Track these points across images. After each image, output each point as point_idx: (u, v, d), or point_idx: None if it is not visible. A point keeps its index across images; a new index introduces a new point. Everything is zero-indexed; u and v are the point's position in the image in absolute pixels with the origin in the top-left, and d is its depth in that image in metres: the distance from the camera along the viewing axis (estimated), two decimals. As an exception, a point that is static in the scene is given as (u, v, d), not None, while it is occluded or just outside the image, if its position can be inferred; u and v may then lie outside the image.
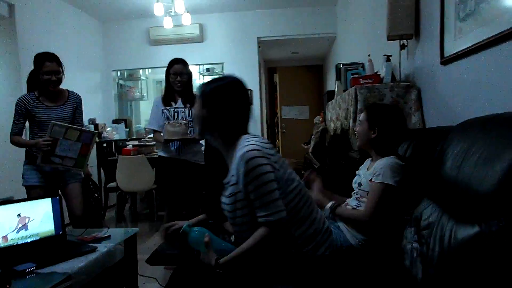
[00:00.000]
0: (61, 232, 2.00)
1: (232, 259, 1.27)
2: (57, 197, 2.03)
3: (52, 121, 2.50)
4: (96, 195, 3.00)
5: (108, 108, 6.20)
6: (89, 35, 5.85)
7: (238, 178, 1.28)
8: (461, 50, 1.76)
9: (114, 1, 5.36)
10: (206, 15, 5.96)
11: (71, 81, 5.23)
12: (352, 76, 2.55)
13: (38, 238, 1.92)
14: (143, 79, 7.27)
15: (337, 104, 2.98)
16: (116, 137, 5.54)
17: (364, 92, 2.26)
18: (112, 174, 4.29)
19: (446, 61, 1.94)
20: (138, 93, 7.02)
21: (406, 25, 2.27)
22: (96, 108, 5.94)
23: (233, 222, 1.39)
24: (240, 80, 1.46)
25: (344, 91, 3.05)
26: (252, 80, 6.01)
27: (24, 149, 2.69)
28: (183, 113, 2.90)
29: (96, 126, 5.37)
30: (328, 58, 7.36)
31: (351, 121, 2.31)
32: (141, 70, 6.92)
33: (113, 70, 6.28)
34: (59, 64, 2.57)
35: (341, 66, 3.53)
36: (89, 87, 5.81)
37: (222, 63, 6.25)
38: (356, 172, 1.85)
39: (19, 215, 1.86)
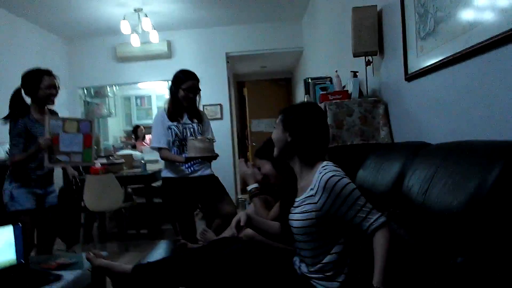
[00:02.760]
0: (23, 261, 1.90)
1: (383, 273, 1.23)
2: (19, 224, 1.93)
3: (46, 116, 2.38)
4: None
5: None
6: (52, 53, 5.70)
7: (321, 199, 1.34)
8: (423, 68, 1.83)
9: (78, 19, 5.25)
10: (173, 31, 5.95)
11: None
12: (321, 92, 2.59)
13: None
14: (110, 96, 7.14)
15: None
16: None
17: (333, 108, 2.30)
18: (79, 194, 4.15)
19: (410, 77, 2.01)
20: (105, 110, 6.88)
21: (370, 43, 2.34)
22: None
23: (303, 239, 1.41)
24: (320, 107, 1.56)
25: (313, 106, 3.09)
26: (221, 94, 6.02)
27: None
28: (192, 129, 2.70)
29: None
30: (296, 71, 7.47)
31: (321, 136, 2.33)
32: (108, 87, 6.81)
33: (79, 88, 6.13)
34: (55, 77, 2.54)
35: (310, 80, 3.58)
36: (54, 106, 5.62)
37: (191, 79, 6.21)
38: None
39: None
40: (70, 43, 6.08)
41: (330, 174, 1.32)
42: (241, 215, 1.51)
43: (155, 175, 4.55)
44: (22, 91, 2.49)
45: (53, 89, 2.50)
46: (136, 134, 6.43)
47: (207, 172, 2.76)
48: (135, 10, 4.96)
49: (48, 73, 2.50)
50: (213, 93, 5.80)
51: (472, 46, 1.42)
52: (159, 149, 2.68)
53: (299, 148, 1.45)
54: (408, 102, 2.10)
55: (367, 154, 2.10)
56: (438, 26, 1.68)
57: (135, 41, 5.23)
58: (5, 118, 2.48)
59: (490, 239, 0.97)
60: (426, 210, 1.26)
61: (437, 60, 1.70)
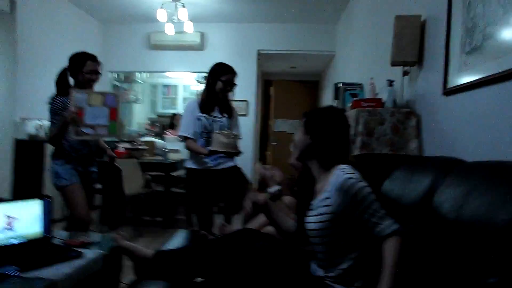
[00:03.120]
0: (48, 235, 1.94)
1: (389, 282, 1.25)
2: (49, 199, 1.97)
3: (71, 90, 2.42)
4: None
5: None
6: (88, 35, 5.82)
7: (336, 201, 1.35)
8: (465, 83, 1.78)
9: (116, 3, 5.34)
10: (208, 24, 5.98)
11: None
12: (355, 99, 2.55)
13: (25, 240, 1.86)
14: (139, 82, 7.22)
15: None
16: (107, 139, 5.46)
17: (365, 115, 2.27)
18: (99, 176, 4.21)
19: (448, 92, 1.96)
20: (133, 96, 6.97)
21: (410, 53, 2.29)
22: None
23: (318, 242, 1.42)
24: (343, 111, 1.58)
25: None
26: (249, 91, 6.03)
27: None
28: (220, 123, 2.69)
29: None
30: (325, 75, 7.41)
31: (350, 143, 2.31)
32: (138, 73, 6.89)
33: (110, 71, 6.23)
34: (99, 63, 2.58)
35: (341, 85, 3.55)
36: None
37: (220, 73, 6.24)
38: None
39: (8, 216, 1.80)
40: (106, 27, 6.19)
41: (347, 176, 1.34)
42: (260, 196, 1.55)
43: (176, 164, 4.59)
44: (68, 72, 2.54)
45: (94, 75, 2.54)
46: (172, 122, 6.33)
47: (230, 164, 2.75)
48: (172, -1, 5.01)
49: (92, 58, 2.54)
50: (241, 89, 5.75)
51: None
52: (185, 138, 2.70)
53: (318, 151, 1.46)
54: (443, 116, 2.05)
55: (395, 165, 2.06)
56: (486, 42, 1.63)
57: (169, 30, 5.28)
58: (54, 97, 2.54)
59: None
60: (459, 226, 1.22)
61: (480, 77, 1.65)
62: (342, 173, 1.36)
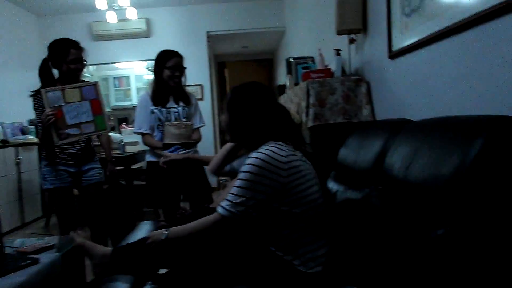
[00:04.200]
0: (-1, 245, 1.83)
1: (181, 230, 1.32)
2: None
3: (41, 89, 2.20)
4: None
5: (49, 107, 5.85)
6: (24, 30, 5.47)
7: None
8: (408, 45, 1.81)
9: (51, -6, 5.03)
10: (152, 9, 5.77)
11: (6, 80, 4.90)
12: (304, 71, 2.55)
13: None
14: (87, 76, 6.91)
15: (289, 98, 2.98)
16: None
17: (316, 86, 2.27)
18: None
19: (394, 55, 1.99)
20: (82, 91, 6.67)
21: (354, 20, 2.30)
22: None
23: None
24: (264, 87, 1.47)
25: (296, 85, 3.05)
26: (202, 75, 5.91)
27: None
28: (176, 113, 2.55)
29: (37, 127, 5.03)
30: (278, 52, 7.39)
31: (303, 115, 2.31)
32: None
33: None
34: (83, 50, 2.37)
35: (292, 60, 3.54)
36: (23, 87, 5.39)
37: (171, 58, 6.09)
38: None
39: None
40: (42, 20, 5.83)
41: (253, 154, 1.29)
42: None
43: (135, 157, 4.47)
44: (49, 63, 2.33)
45: (79, 64, 2.33)
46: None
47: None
48: (111, -15, 4.78)
49: (75, 45, 2.32)
50: (194, 73, 5.68)
51: (455, 24, 1.41)
52: (141, 135, 2.60)
53: (241, 130, 1.41)
54: (391, 80, 2.08)
55: (350, 132, 2.09)
56: (423, 2, 1.65)
57: (111, 18, 5.06)
58: (37, 90, 2.33)
59: (472, 211, 0.97)
60: (408, 185, 1.25)
61: (421, 37, 1.68)
62: (259, 150, 1.30)
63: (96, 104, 2.30)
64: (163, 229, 1.37)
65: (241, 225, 1.29)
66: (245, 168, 1.27)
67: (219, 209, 1.28)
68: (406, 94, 1.93)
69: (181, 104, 2.59)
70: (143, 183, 4.65)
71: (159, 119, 2.53)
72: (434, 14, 1.58)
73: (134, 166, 4.58)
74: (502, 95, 1.23)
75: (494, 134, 0.99)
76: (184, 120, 2.56)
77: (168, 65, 2.47)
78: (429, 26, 1.62)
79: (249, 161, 1.27)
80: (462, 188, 1.00)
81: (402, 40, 1.88)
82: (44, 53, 5.79)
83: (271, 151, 1.28)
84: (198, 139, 2.68)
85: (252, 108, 1.38)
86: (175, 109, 2.56)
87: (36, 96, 2.29)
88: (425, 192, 1.15)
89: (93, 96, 2.30)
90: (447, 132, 1.18)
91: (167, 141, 2.45)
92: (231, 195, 1.27)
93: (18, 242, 1.97)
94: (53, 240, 1.98)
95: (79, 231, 1.78)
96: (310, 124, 2.24)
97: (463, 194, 1.00)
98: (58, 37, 5.85)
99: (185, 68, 2.59)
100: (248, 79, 5.83)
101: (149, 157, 2.64)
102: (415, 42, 1.74)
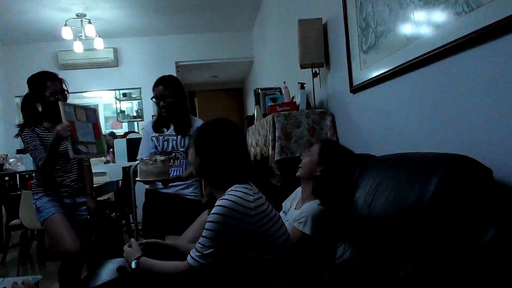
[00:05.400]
0: None
1: (150, 267, 1.30)
2: None
3: (60, 102, 2.09)
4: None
5: (11, 137, 5.64)
6: (-14, 59, 5.33)
7: None
8: (366, 80, 1.87)
9: (16, 23, 4.95)
10: (120, 38, 5.77)
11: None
12: (270, 104, 2.58)
13: None
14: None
15: (257, 130, 3.00)
16: (21, 168, 5.03)
17: (282, 119, 2.29)
18: (15, 211, 3.85)
19: (355, 89, 2.04)
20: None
21: (316, 55, 2.37)
22: (-3, 138, 5.38)
23: None
24: (233, 124, 1.43)
25: (264, 115, 3.08)
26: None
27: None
28: (174, 141, 2.42)
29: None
30: (248, 81, 7.49)
31: (270, 148, 2.32)
32: (49, 96, 6.44)
33: (17, 96, 5.74)
34: (61, 81, 2.26)
35: (259, 91, 3.58)
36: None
37: (139, 88, 6.09)
38: (283, 204, 1.84)
39: None
40: (7, 48, 5.72)
41: (219, 202, 1.24)
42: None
43: (103, 188, 4.33)
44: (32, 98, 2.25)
45: (60, 95, 2.21)
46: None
47: (187, 192, 2.43)
48: (77, 15, 4.76)
49: (51, 77, 2.22)
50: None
51: (409, 61, 1.46)
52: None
53: (207, 170, 1.37)
54: (353, 113, 2.13)
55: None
56: (379, 40, 1.72)
57: (78, 48, 5.01)
58: (21, 126, 2.22)
59: (430, 249, 0.99)
60: (370, 223, 1.27)
61: (379, 73, 1.74)
62: (226, 193, 1.27)
63: (97, 128, 2.29)
64: (135, 257, 1.35)
65: (210, 274, 1.25)
66: (212, 217, 1.23)
67: (189, 259, 1.24)
68: (369, 127, 1.97)
69: (182, 132, 2.44)
70: (111, 215, 4.50)
71: (156, 147, 2.44)
72: (388, 51, 1.64)
73: (100, 198, 4.43)
74: (458, 130, 1.27)
75: (449, 171, 1.02)
76: (181, 149, 2.42)
77: (154, 94, 2.42)
78: (384, 63, 1.68)
79: (215, 209, 1.23)
80: (419, 226, 1.02)
81: (361, 75, 1.94)
82: (10, 81, 5.64)
83: (238, 197, 1.24)
84: (186, 176, 2.40)
85: (219, 149, 1.34)
86: (173, 137, 2.44)
87: (23, 130, 2.20)
88: (386, 230, 1.16)
89: (94, 120, 2.30)
90: (406, 169, 1.21)
91: (138, 178, 2.31)
92: (200, 245, 1.23)
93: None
94: (4, 282, 1.87)
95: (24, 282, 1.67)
96: (277, 157, 2.25)
97: (421, 232, 1.02)
98: (24, 65, 5.72)
99: (174, 95, 2.39)
100: (218, 108, 5.85)
101: (147, 185, 2.50)
102: (373, 78, 1.79)
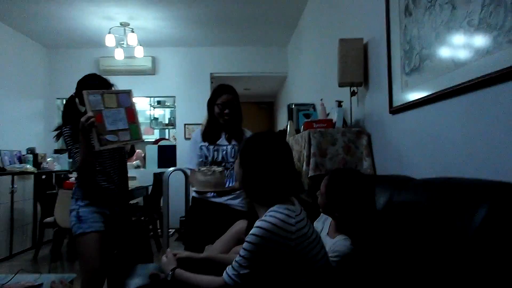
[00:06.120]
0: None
1: (185, 279, 1.33)
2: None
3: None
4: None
5: (50, 137, 5.87)
6: (32, 61, 5.61)
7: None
8: (408, 102, 1.86)
9: (62, 28, 5.19)
10: (159, 48, 5.95)
11: (8, 107, 4.96)
12: (306, 120, 2.60)
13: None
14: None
15: (290, 145, 3.02)
16: (57, 168, 5.23)
17: (317, 136, 2.30)
18: (50, 209, 4.00)
19: (394, 110, 2.03)
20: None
21: (356, 74, 2.38)
22: (36, 137, 5.60)
23: None
24: (281, 139, 1.40)
25: (296, 131, 3.09)
26: (204, 114, 5.97)
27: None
28: (224, 152, 2.39)
29: (35, 156, 5.03)
30: (280, 96, 7.54)
31: (304, 164, 2.33)
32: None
33: (58, 98, 6.00)
34: (111, 86, 2.27)
35: (293, 106, 3.61)
36: (29, 115, 5.51)
37: (174, 97, 6.22)
38: (314, 224, 1.84)
39: None
40: (52, 52, 6.00)
41: (258, 223, 1.22)
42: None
43: (132, 192, 4.43)
44: (77, 100, 2.21)
45: None
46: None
47: (235, 203, 2.38)
48: (121, 24, 4.95)
49: (104, 84, 2.22)
50: (196, 112, 5.77)
51: (455, 86, 1.45)
52: (191, 171, 2.48)
53: (249, 183, 1.34)
54: (391, 134, 2.12)
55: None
56: (423, 63, 1.72)
57: (119, 55, 5.20)
58: (58, 129, 2.23)
59: (477, 283, 0.97)
60: (410, 245, 1.25)
61: (421, 96, 1.73)
62: (268, 213, 1.24)
63: (131, 112, 2.18)
64: (170, 268, 1.38)
65: None
66: (250, 237, 1.21)
67: (225, 276, 1.25)
68: (406, 149, 1.96)
69: (233, 142, 2.42)
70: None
71: (206, 156, 2.41)
72: (433, 74, 1.64)
73: (131, 202, 4.54)
74: (502, 159, 1.25)
75: (498, 201, 0.99)
76: (231, 160, 2.39)
77: (218, 102, 2.38)
78: (428, 86, 1.67)
79: (255, 230, 1.21)
80: (464, 257, 1.00)
81: (403, 97, 1.93)
82: (53, 84, 5.84)
83: (279, 219, 1.22)
84: (238, 187, 2.30)
85: (263, 162, 1.32)
86: (223, 147, 2.41)
87: (64, 127, 2.18)
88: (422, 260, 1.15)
89: (128, 103, 2.18)
90: (451, 195, 1.18)
91: (195, 188, 2.31)
92: (237, 264, 1.23)
93: (4, 279, 1.93)
94: (41, 278, 1.94)
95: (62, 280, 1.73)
96: (311, 173, 2.25)
97: (465, 264, 0.99)
98: (67, 69, 5.93)
99: (237, 106, 2.43)
100: (249, 121, 5.84)
101: (193, 193, 2.47)
102: (415, 100, 1.79)
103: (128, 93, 2.21)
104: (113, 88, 2.28)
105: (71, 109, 2.21)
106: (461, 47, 1.45)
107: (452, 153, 1.55)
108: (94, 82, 2.19)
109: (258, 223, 1.23)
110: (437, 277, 1.08)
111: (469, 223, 1.01)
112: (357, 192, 1.53)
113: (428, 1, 1.65)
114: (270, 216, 1.23)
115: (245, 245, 1.23)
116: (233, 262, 1.25)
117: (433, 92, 1.62)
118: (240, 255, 1.24)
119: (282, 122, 6.28)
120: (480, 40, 1.33)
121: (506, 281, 0.91)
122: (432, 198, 1.26)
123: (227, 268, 1.26)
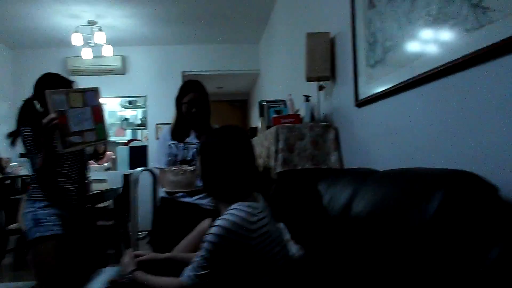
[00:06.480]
0: None
1: (144, 281, 1.30)
2: None
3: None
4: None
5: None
6: (-4, 62, 5.39)
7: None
8: (373, 95, 1.86)
9: (27, 27, 5.01)
10: (129, 47, 5.83)
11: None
12: (274, 116, 2.57)
13: None
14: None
15: (260, 141, 2.99)
16: (22, 172, 5.03)
17: (285, 131, 2.28)
18: (14, 215, 3.84)
19: (360, 104, 2.03)
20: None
21: (323, 68, 2.37)
22: (0, 141, 5.38)
23: None
24: (239, 130, 1.36)
25: (268, 127, 3.06)
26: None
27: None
28: (194, 150, 2.29)
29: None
30: (253, 93, 7.51)
31: (272, 160, 2.30)
32: (56, 101, 6.49)
33: (24, 100, 5.77)
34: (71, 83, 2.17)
35: (264, 103, 3.58)
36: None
37: (145, 96, 6.11)
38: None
39: None
40: (16, 52, 5.79)
41: (217, 222, 1.19)
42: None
43: (102, 195, 4.31)
44: (36, 103, 2.12)
45: None
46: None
47: (205, 202, 2.26)
48: (88, 22, 4.81)
49: (65, 81, 2.14)
50: (168, 112, 5.64)
51: (415, 77, 1.46)
52: (160, 171, 2.42)
53: (209, 180, 1.32)
54: (357, 128, 2.12)
55: (318, 178, 2.09)
56: (387, 54, 1.72)
57: (87, 54, 5.05)
58: (12, 134, 2.11)
59: (433, 268, 0.96)
60: (371, 235, 1.25)
61: (385, 88, 1.73)
62: (226, 215, 1.20)
63: (97, 111, 2.08)
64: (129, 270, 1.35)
65: None
66: (210, 237, 1.17)
67: (184, 277, 1.21)
68: (372, 142, 1.96)
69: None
70: (109, 223, 4.47)
71: (175, 155, 2.34)
72: (396, 66, 1.64)
73: (100, 205, 4.41)
74: (464, 146, 1.25)
75: (451, 189, 0.99)
76: (178, 165, 2.31)
77: (184, 100, 2.32)
78: (391, 77, 1.67)
79: (214, 229, 1.18)
80: (421, 245, 1.00)
81: (368, 90, 1.93)
82: (19, 85, 5.63)
83: (240, 216, 1.18)
84: None
85: (222, 158, 1.28)
86: (193, 146, 2.33)
87: (24, 130, 2.05)
88: (384, 244, 1.14)
89: (94, 102, 2.08)
90: (408, 185, 1.19)
91: (166, 188, 2.26)
92: (195, 263, 1.19)
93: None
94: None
95: None
96: (278, 169, 2.23)
97: (423, 252, 0.99)
98: (33, 70, 5.72)
99: (204, 103, 2.35)
100: (222, 119, 5.82)
101: (162, 193, 2.41)
102: (379, 92, 1.79)
103: (95, 91, 2.11)
104: (73, 86, 2.18)
105: (29, 112, 2.11)
106: (421, 37, 1.45)
107: (415, 144, 1.55)
108: (52, 82, 2.09)
109: (217, 221, 1.20)
110: (398, 267, 1.07)
111: (425, 211, 1.01)
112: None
113: (389, -8, 1.65)
114: (230, 214, 1.19)
115: (204, 244, 1.19)
116: (192, 263, 1.21)
117: (396, 83, 1.62)
118: (199, 255, 1.20)
119: (255, 119, 6.25)
120: (439, 30, 1.33)
121: (460, 265, 0.90)
122: (392, 190, 1.25)
123: (186, 268, 1.22)
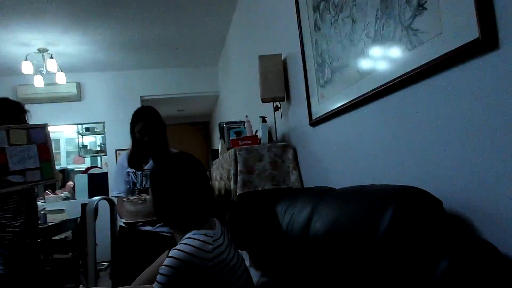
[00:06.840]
0: None
1: None
2: None
3: None
4: None
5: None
6: None
7: None
8: (324, 114, 1.90)
9: (-29, 57, 4.80)
10: (83, 73, 5.71)
11: None
12: (232, 138, 2.58)
13: None
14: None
15: (221, 164, 2.98)
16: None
17: (243, 153, 2.29)
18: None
19: (314, 123, 2.08)
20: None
21: (277, 89, 2.41)
22: None
23: None
24: (192, 163, 1.31)
25: (228, 149, 3.06)
26: (136, 139, 5.79)
27: None
28: None
29: None
30: (214, 115, 7.52)
31: (232, 182, 2.30)
32: (7, 131, 6.21)
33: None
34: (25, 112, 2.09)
35: (224, 124, 3.59)
36: None
37: (103, 122, 5.98)
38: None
39: None
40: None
41: (172, 253, 1.15)
42: None
43: (60, 226, 4.13)
44: None
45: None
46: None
47: (166, 229, 2.18)
48: (39, 50, 4.68)
49: (17, 106, 2.06)
50: (127, 137, 5.50)
51: (362, 95, 1.51)
52: (118, 199, 2.34)
53: (162, 209, 1.28)
54: (314, 146, 2.16)
55: (277, 199, 2.10)
56: (334, 75, 1.78)
57: (38, 82, 4.90)
58: None
59: (387, 283, 0.98)
60: (330, 253, 1.26)
61: (335, 107, 1.78)
62: (180, 246, 1.16)
63: (44, 149, 2.02)
64: None
65: None
66: (164, 269, 1.13)
67: None
68: (328, 160, 2.00)
69: None
70: (67, 256, 4.27)
71: (133, 183, 2.27)
72: (343, 85, 1.69)
73: (57, 237, 4.21)
74: (411, 163, 1.30)
75: (401, 205, 1.03)
76: (137, 194, 2.23)
77: (135, 130, 2.26)
78: (340, 96, 1.72)
79: (168, 261, 1.13)
80: (373, 261, 1.02)
81: (320, 109, 1.98)
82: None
83: (194, 247, 1.15)
84: None
85: (173, 187, 1.25)
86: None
87: None
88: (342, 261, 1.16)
89: (41, 140, 2.02)
90: (362, 203, 1.22)
91: (125, 219, 2.16)
92: None
93: None
94: None
95: None
96: (239, 191, 2.22)
97: (376, 266, 1.01)
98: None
99: (156, 130, 2.27)
100: (184, 142, 5.75)
101: (121, 222, 2.30)
102: (330, 111, 1.83)
103: (42, 128, 2.05)
104: (27, 114, 2.11)
105: None
106: (363, 57, 1.51)
107: (368, 161, 1.59)
108: (3, 109, 2.01)
109: (172, 252, 1.16)
110: (355, 284, 1.09)
111: (378, 227, 1.03)
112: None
113: (332, 16, 1.72)
114: (185, 244, 1.16)
115: (158, 277, 1.14)
116: None
117: (345, 102, 1.68)
118: (156, 282, 1.16)
119: (218, 141, 6.25)
120: (378, 50, 1.39)
121: (412, 277, 0.92)
122: (347, 208, 1.28)
123: None
